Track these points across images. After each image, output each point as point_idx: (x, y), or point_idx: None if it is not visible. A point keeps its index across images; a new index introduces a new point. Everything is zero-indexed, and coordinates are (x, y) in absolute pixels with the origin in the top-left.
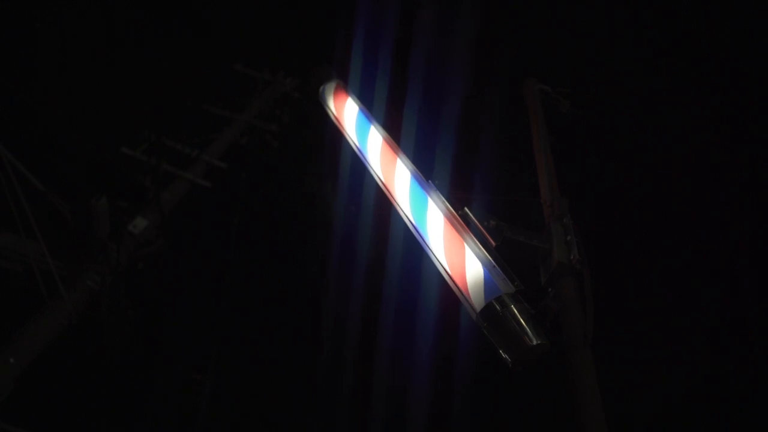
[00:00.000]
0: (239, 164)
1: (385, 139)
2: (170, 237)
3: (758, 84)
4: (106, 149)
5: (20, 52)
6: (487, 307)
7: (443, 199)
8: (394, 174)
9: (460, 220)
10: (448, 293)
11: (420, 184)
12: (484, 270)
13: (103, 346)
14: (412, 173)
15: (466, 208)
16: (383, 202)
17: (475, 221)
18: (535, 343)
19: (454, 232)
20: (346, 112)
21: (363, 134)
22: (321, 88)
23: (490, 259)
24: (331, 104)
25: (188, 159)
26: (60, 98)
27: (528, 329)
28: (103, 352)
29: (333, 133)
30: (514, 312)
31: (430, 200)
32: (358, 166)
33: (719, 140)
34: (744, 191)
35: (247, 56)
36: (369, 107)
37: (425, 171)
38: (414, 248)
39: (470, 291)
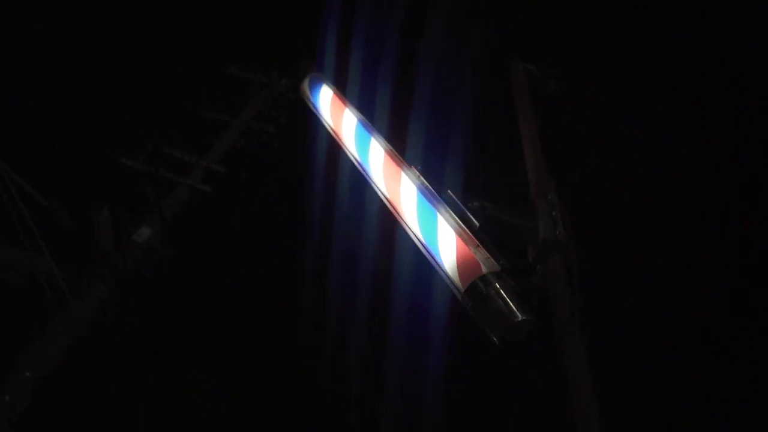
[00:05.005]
0: (239, 167)
1: (361, 122)
2: (174, 243)
3: (757, 78)
4: (105, 160)
5: (18, 63)
6: (472, 287)
7: (422, 178)
8: (368, 154)
9: (443, 202)
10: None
11: (396, 162)
12: (468, 250)
13: (111, 354)
14: (385, 149)
15: (449, 191)
16: (371, 194)
17: (459, 203)
18: (520, 319)
19: (435, 213)
20: (322, 99)
21: (338, 119)
22: (303, 81)
23: (474, 238)
24: (311, 95)
25: (188, 165)
26: (59, 109)
27: (513, 306)
28: (111, 359)
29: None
30: (499, 290)
31: (404, 177)
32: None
33: (716, 132)
34: (743, 184)
35: (241, 59)
36: (350, 95)
37: (409, 156)
38: (401, 236)
39: (455, 272)
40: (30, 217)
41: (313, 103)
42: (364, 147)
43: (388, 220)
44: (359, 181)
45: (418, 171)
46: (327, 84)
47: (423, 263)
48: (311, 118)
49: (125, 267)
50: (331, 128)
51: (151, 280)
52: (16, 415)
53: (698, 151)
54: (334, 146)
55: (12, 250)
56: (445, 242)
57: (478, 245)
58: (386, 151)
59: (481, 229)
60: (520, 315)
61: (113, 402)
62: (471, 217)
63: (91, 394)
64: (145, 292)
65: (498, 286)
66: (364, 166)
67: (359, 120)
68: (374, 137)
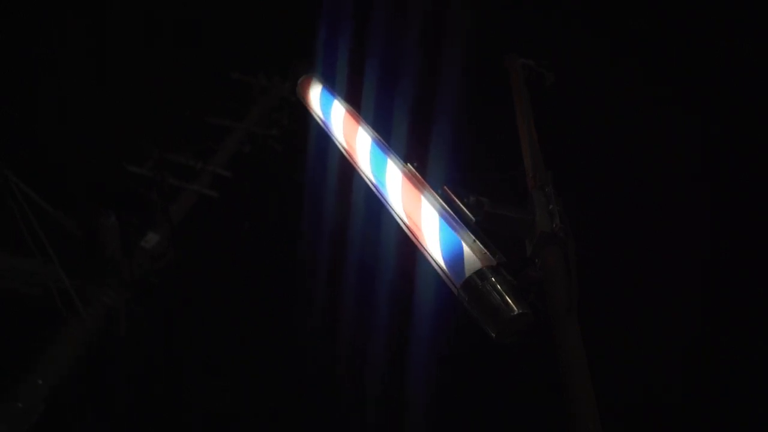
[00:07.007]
0: (244, 172)
1: (361, 125)
2: (181, 249)
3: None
4: (111, 168)
5: (19, 77)
6: (468, 281)
7: (417, 174)
8: (369, 154)
9: (438, 196)
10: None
11: (399, 167)
12: (463, 245)
13: (122, 361)
14: (386, 151)
15: (445, 186)
16: (370, 193)
17: (455, 198)
18: (516, 313)
19: (430, 208)
20: (322, 101)
21: (338, 121)
22: (298, 81)
23: (469, 233)
24: (306, 95)
25: (193, 171)
26: (64, 118)
27: (509, 300)
28: (123, 366)
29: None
30: (495, 284)
31: (404, 178)
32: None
33: (713, 128)
34: (739, 180)
35: (242, 63)
36: (346, 95)
37: (405, 153)
38: (398, 233)
39: (451, 266)
40: (38, 226)
41: (309, 104)
42: (364, 147)
43: (386, 217)
44: (359, 181)
45: (414, 167)
46: (322, 83)
47: (419, 259)
48: (313, 119)
49: (133, 273)
50: (329, 129)
51: (158, 286)
52: (30, 421)
53: (695, 146)
54: (335, 147)
55: (21, 259)
56: (441, 237)
57: (474, 239)
58: (387, 153)
59: (477, 223)
60: (516, 309)
61: (123, 407)
62: (467, 211)
63: (101, 399)
64: (156, 301)
65: (494, 280)
66: (365, 169)
67: (362, 126)
68: (373, 136)
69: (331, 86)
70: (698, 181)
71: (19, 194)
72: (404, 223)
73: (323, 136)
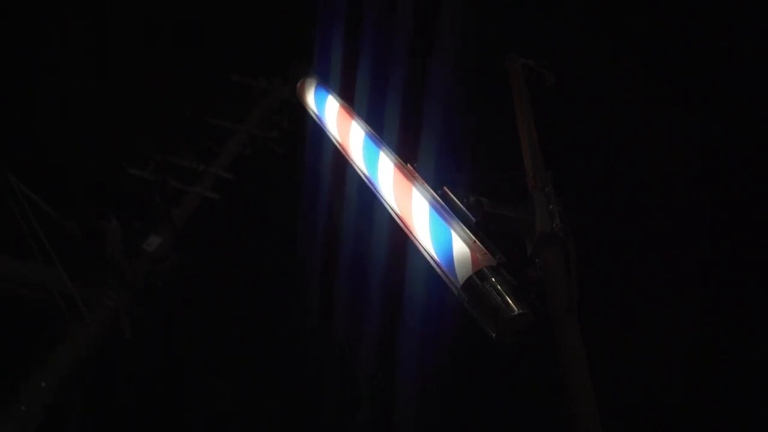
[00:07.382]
0: (246, 174)
1: (354, 120)
2: (184, 251)
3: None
4: (112, 169)
5: (19, 77)
6: (468, 282)
7: (419, 176)
8: (371, 157)
9: (440, 197)
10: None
11: (405, 176)
12: (463, 245)
13: (123, 361)
14: (389, 156)
15: (445, 186)
16: (369, 195)
17: (455, 199)
18: (516, 313)
19: (421, 199)
20: (317, 98)
21: (332, 116)
22: (298, 83)
23: (469, 233)
24: (305, 96)
25: (195, 173)
26: (65, 120)
27: (509, 300)
28: (123, 366)
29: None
30: (495, 284)
31: (395, 170)
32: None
33: (712, 127)
34: (738, 180)
35: (242, 64)
36: (347, 95)
37: (405, 153)
38: (397, 233)
39: (451, 267)
40: (40, 229)
41: (307, 104)
42: (367, 153)
43: (386, 217)
44: (360, 182)
45: (414, 168)
46: (319, 82)
47: (419, 259)
48: (313, 120)
49: (136, 276)
50: (328, 130)
51: (162, 289)
52: (33, 424)
53: (695, 146)
54: (334, 148)
55: (22, 261)
56: (441, 237)
57: (474, 240)
58: (379, 146)
59: (477, 223)
60: (516, 309)
61: (124, 407)
62: (467, 212)
63: (101, 399)
64: (159, 304)
65: (494, 280)
66: (358, 162)
67: (363, 129)
68: (366, 130)
69: (330, 85)
70: (698, 181)
71: (20, 195)
72: (396, 214)
73: (323, 137)
